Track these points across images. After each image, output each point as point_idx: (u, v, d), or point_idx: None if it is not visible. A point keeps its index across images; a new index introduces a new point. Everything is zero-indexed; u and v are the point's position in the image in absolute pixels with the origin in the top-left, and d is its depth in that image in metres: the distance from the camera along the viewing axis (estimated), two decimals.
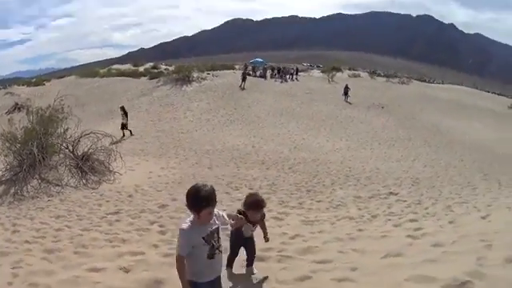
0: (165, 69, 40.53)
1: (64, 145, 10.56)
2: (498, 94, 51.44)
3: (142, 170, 11.20)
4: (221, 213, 2.51)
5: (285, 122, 21.70)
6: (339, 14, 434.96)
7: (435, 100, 31.82)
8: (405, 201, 7.49)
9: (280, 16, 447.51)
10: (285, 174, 11.21)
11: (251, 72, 35.99)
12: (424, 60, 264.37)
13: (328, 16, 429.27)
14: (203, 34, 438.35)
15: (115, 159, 10.66)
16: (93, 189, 9.22)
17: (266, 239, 3.43)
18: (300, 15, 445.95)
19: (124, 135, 17.18)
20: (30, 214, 7.01)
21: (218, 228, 2.41)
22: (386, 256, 3.63)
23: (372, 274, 3.17)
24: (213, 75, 31.43)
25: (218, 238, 2.41)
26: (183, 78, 28.62)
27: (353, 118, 23.55)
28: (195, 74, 29.66)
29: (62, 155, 10.44)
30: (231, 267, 3.44)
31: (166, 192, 8.46)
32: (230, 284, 3.22)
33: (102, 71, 39.70)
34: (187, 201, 2.28)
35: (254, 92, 27.75)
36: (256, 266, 3.49)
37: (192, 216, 2.31)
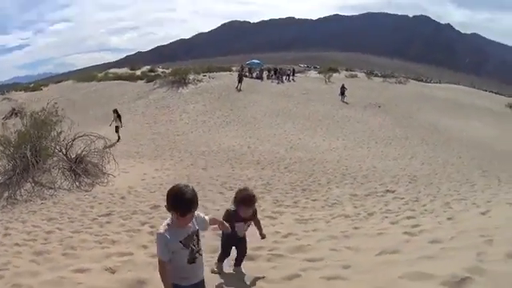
0: (162, 72, 40.57)
1: (57, 148, 10.48)
2: (496, 93, 51.41)
3: (137, 171, 11.09)
4: (201, 215, 2.34)
5: (281, 122, 21.62)
6: (336, 16, 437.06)
7: (432, 99, 31.76)
8: (402, 198, 7.40)
9: (277, 18, 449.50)
10: (280, 173, 11.11)
11: (247, 73, 35.87)
12: (421, 60, 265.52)
13: (325, 17, 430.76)
14: (200, 36, 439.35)
15: (109, 161, 10.58)
16: (86, 191, 9.13)
17: (262, 236, 3.31)
18: (297, 17, 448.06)
19: (119, 138, 17.03)
20: (23, 218, 6.95)
21: (197, 230, 2.26)
22: (381, 253, 3.52)
23: (365, 272, 3.04)
24: (209, 77, 31.39)
25: (198, 240, 2.27)
26: (179, 81, 28.61)
27: (349, 118, 23.47)
28: (191, 76, 29.65)
29: (55, 158, 10.37)
30: (222, 262, 3.33)
31: (159, 193, 8.32)
32: (218, 282, 3.11)
33: (99, 75, 39.65)
34: (168, 202, 2.11)
35: (250, 93, 27.66)
36: (245, 265, 3.37)
37: (169, 218, 2.18)
